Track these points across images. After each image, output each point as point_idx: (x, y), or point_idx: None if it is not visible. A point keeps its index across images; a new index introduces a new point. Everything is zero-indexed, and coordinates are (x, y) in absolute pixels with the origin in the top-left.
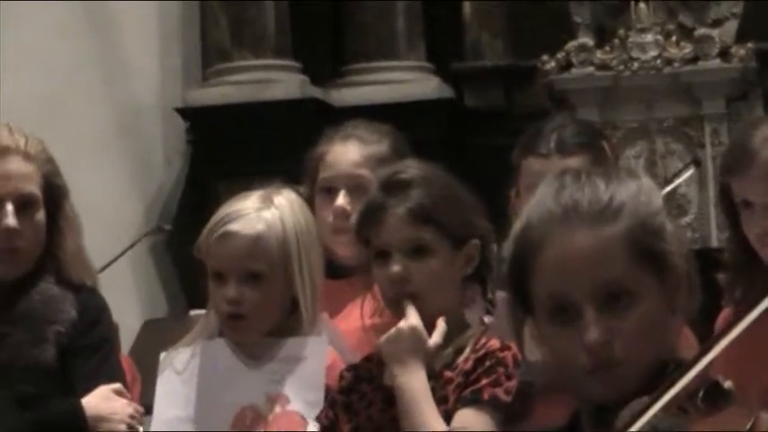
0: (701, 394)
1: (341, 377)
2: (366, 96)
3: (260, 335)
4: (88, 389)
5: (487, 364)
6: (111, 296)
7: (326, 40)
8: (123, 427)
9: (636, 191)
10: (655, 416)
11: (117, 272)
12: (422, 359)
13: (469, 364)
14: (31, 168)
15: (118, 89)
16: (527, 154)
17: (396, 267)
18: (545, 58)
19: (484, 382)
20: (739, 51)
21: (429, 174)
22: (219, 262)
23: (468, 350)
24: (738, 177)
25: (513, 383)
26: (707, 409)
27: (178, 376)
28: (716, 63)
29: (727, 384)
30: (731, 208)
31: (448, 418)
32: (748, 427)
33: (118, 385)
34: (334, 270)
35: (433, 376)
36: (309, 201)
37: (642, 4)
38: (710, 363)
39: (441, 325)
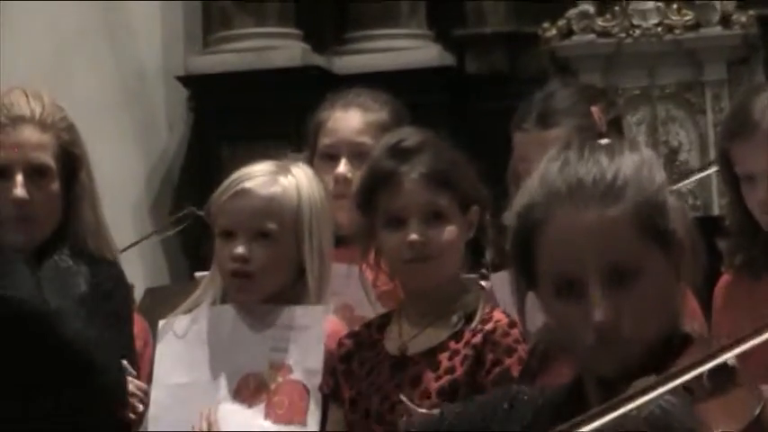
0: (706, 374)
1: (340, 344)
2: (368, 64)
3: (264, 296)
4: None
5: (504, 342)
6: None
7: (328, 7)
8: None
9: (638, 165)
10: (660, 396)
11: (120, 239)
12: None
13: (479, 338)
14: (45, 137)
15: (121, 54)
16: (515, 128)
17: (414, 234)
18: (546, 25)
19: (508, 361)
20: (740, 18)
21: (434, 140)
22: (231, 219)
23: (476, 321)
24: (738, 145)
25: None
26: (713, 389)
27: (178, 342)
28: (717, 30)
29: (731, 362)
30: (731, 174)
31: (456, 388)
32: (756, 412)
33: (122, 361)
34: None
35: (440, 347)
36: (309, 165)
37: None
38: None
39: None
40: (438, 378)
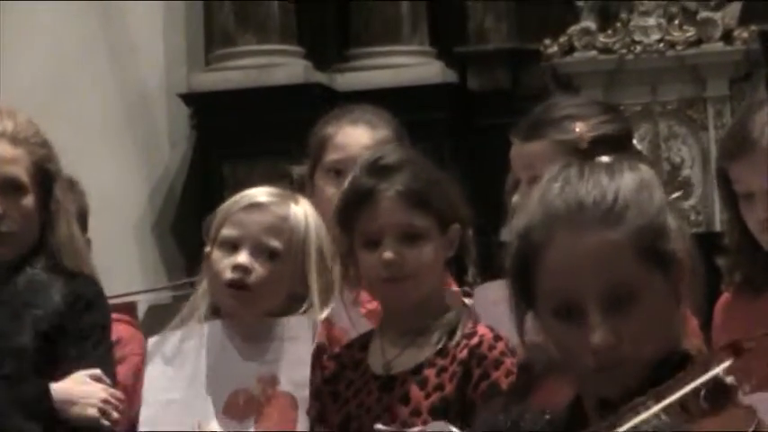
0: (703, 393)
1: (323, 367)
2: (370, 81)
3: (255, 314)
4: (69, 373)
5: (490, 356)
6: (116, 281)
7: (330, 24)
8: (93, 410)
9: (638, 186)
10: (656, 415)
11: (122, 256)
12: None
13: (464, 353)
14: (18, 152)
15: (123, 73)
16: (510, 140)
17: (389, 253)
18: (547, 42)
19: (495, 374)
20: (742, 34)
21: (413, 158)
22: (239, 230)
23: (458, 335)
24: (737, 164)
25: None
26: (711, 409)
27: (168, 361)
28: (719, 46)
29: (729, 380)
30: (729, 193)
31: (446, 405)
32: (752, 428)
33: (96, 371)
34: None
35: (426, 363)
36: (309, 179)
37: None
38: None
39: None
40: (428, 395)
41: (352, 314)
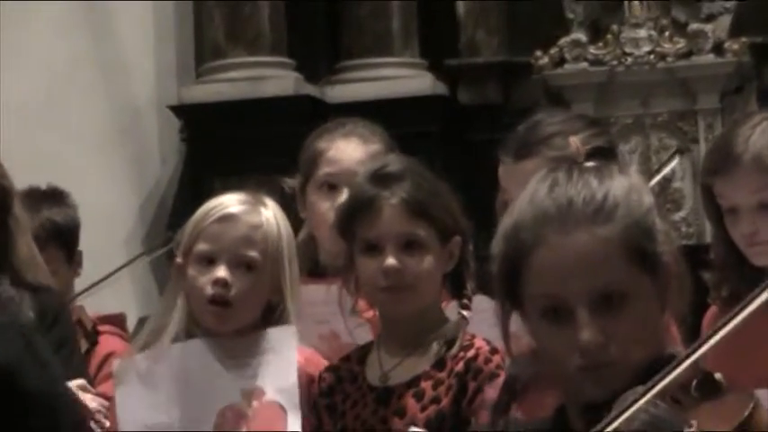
0: (693, 384)
1: (321, 379)
2: (361, 93)
3: (238, 328)
4: None
5: (486, 369)
6: (107, 294)
7: (321, 37)
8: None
9: (628, 189)
10: (646, 408)
11: (112, 270)
12: None
13: (461, 366)
14: None
15: (113, 87)
16: (498, 159)
17: (391, 260)
18: (538, 54)
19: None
20: (733, 46)
21: (416, 168)
22: (214, 244)
23: (456, 348)
24: (721, 179)
25: None
26: (702, 398)
27: (142, 382)
28: (709, 58)
29: (718, 376)
30: (715, 207)
31: (442, 418)
32: (746, 413)
33: (82, 381)
34: (318, 270)
35: (423, 376)
36: (301, 192)
37: (635, 0)
38: (700, 357)
39: None
40: (424, 408)
41: (350, 323)
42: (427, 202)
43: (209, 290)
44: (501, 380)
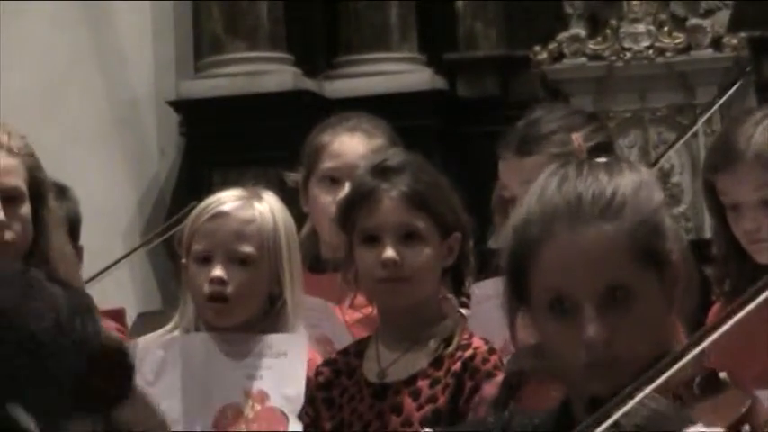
0: (696, 381)
1: (318, 373)
2: (359, 88)
3: (239, 322)
4: None
5: (483, 369)
6: (106, 288)
7: (320, 31)
8: None
9: (637, 185)
10: (647, 401)
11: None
12: None
13: (458, 365)
14: (15, 163)
15: (112, 81)
16: (498, 155)
17: (390, 252)
18: (537, 48)
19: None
20: (731, 41)
21: (417, 162)
22: (209, 242)
23: (453, 346)
24: (723, 176)
25: None
26: (703, 395)
27: (154, 372)
28: (708, 53)
29: (722, 375)
30: (716, 204)
31: (438, 417)
32: (743, 410)
33: None
34: (320, 264)
35: (420, 374)
36: (304, 186)
37: None
38: (701, 353)
39: None
40: (420, 407)
41: (348, 318)
42: (427, 194)
43: (207, 288)
44: (499, 378)
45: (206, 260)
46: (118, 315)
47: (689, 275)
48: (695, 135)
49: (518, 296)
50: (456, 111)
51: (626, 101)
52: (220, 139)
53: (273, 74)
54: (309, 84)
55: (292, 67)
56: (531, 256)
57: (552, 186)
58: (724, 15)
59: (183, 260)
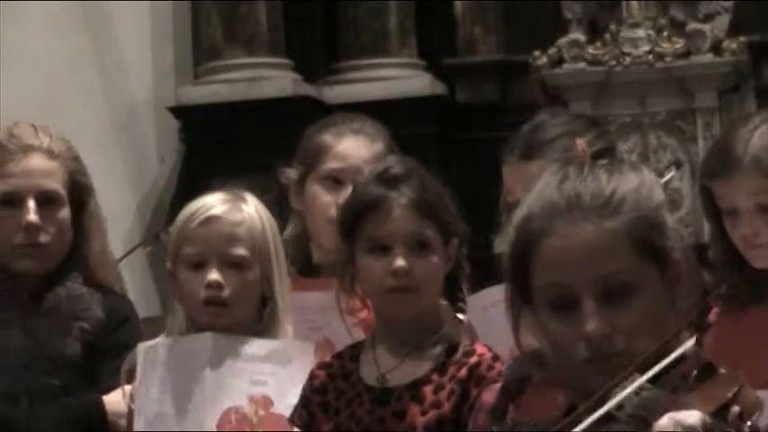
0: (694, 374)
1: (313, 376)
2: (359, 93)
3: (234, 324)
4: (112, 386)
5: (488, 376)
6: None
7: (319, 37)
8: None
9: (638, 184)
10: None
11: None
12: None
13: (463, 372)
14: (54, 165)
15: (111, 87)
16: (502, 161)
17: (401, 261)
18: (536, 53)
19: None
20: (731, 45)
21: (419, 169)
22: (201, 247)
23: (459, 353)
24: (720, 181)
25: None
26: (695, 384)
27: (158, 371)
28: (708, 57)
29: (722, 370)
30: (713, 208)
31: (442, 424)
32: (731, 393)
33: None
34: (312, 269)
35: (424, 380)
36: (299, 183)
37: (633, 0)
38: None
39: None
40: (424, 413)
41: (344, 331)
42: (434, 202)
43: (203, 293)
44: (497, 385)
45: (199, 265)
46: None
47: (690, 275)
48: (694, 140)
49: (521, 294)
50: (455, 116)
51: (625, 105)
52: (220, 145)
53: (273, 80)
54: (309, 89)
55: (292, 72)
56: (531, 252)
57: (553, 184)
58: (723, 20)
59: (169, 265)
